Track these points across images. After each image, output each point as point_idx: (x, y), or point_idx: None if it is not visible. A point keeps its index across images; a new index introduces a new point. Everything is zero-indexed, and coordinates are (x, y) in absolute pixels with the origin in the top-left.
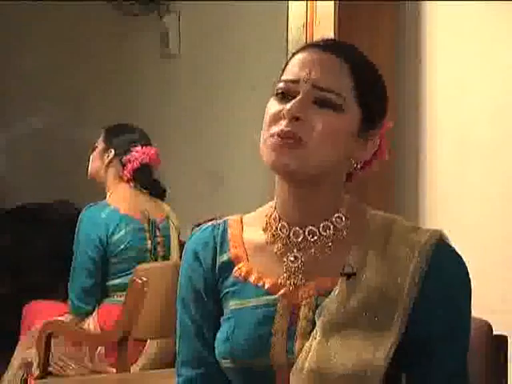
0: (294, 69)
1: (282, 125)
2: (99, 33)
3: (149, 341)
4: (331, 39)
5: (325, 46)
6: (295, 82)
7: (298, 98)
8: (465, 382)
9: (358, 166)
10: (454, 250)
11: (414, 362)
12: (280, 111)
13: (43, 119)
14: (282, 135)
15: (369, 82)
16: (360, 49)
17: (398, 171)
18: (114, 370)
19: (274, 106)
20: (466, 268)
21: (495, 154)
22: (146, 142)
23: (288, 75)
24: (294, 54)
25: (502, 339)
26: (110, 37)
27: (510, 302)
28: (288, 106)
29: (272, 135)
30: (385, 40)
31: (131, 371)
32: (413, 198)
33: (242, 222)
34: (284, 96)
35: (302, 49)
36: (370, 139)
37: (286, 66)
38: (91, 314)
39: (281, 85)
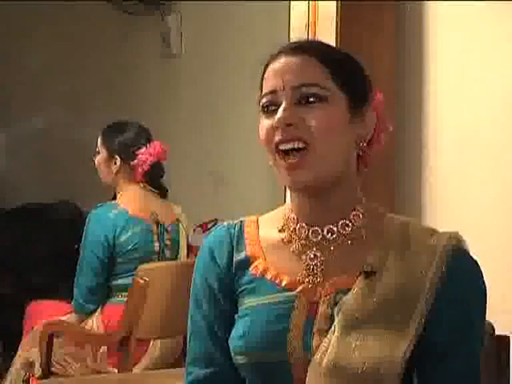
0: (270, 80)
1: (278, 135)
2: (101, 33)
3: (152, 341)
4: (294, 42)
5: (290, 49)
6: (274, 92)
7: (282, 105)
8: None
9: (365, 144)
10: (470, 255)
11: (428, 363)
12: (271, 126)
13: (44, 119)
14: (281, 143)
15: (343, 66)
16: (361, 49)
17: (399, 169)
18: (116, 370)
19: (264, 123)
20: (482, 273)
21: (497, 153)
22: (146, 138)
23: (266, 89)
24: (265, 67)
25: (505, 339)
26: (112, 37)
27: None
28: (277, 116)
29: (275, 152)
30: (386, 40)
31: (134, 371)
32: (413, 196)
33: (257, 222)
34: (269, 110)
35: (272, 59)
36: (366, 115)
37: (262, 80)
38: (95, 312)
39: (263, 100)
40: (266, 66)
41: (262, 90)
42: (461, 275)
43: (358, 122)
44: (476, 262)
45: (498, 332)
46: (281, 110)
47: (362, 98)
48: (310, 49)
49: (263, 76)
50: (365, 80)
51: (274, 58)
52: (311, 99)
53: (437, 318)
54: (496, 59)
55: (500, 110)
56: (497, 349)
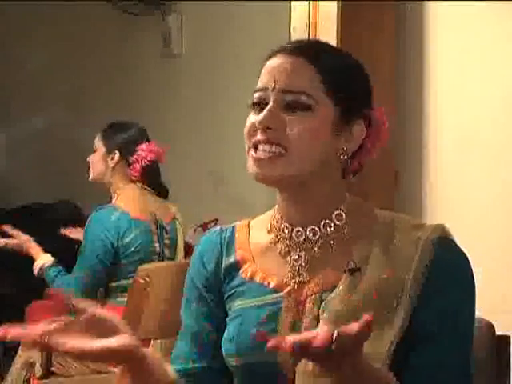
0: (263, 77)
1: (258, 135)
2: (101, 33)
3: (152, 341)
4: (297, 42)
5: (289, 49)
6: (264, 89)
7: (267, 107)
8: (467, 380)
9: (346, 157)
10: (456, 245)
11: (415, 354)
12: (254, 123)
13: (44, 119)
14: (259, 143)
15: (339, 77)
16: (362, 49)
17: (400, 170)
18: (117, 370)
19: (250, 118)
20: (469, 262)
21: (497, 153)
22: (146, 137)
23: (258, 85)
24: (264, 63)
25: (505, 339)
26: (112, 37)
27: None
28: (259, 117)
29: (251, 148)
30: (386, 40)
31: None
32: (414, 197)
33: (249, 225)
34: (259, 106)
35: (270, 56)
36: (354, 128)
37: (259, 75)
38: None
39: (254, 95)
40: (265, 61)
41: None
42: (445, 266)
43: (344, 133)
44: (463, 252)
45: (498, 332)
46: (265, 111)
47: (353, 111)
48: (306, 52)
49: (260, 72)
50: (362, 92)
51: (271, 55)
52: (297, 108)
53: (423, 309)
54: (496, 59)
55: (500, 109)
56: (497, 349)
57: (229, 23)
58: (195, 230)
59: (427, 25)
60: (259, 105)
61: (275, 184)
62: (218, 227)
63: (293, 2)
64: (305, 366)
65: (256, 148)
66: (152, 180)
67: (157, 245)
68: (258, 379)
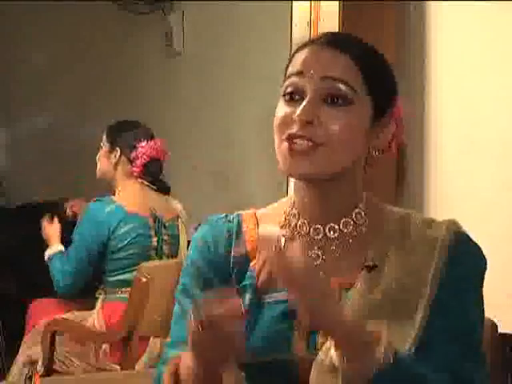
0: (297, 64)
1: (294, 128)
2: (104, 31)
3: (151, 338)
4: (331, 35)
5: (326, 42)
6: (301, 74)
7: (307, 99)
8: (484, 372)
9: (376, 154)
10: (470, 239)
11: (435, 355)
12: (290, 114)
13: (48, 118)
14: (294, 137)
15: (376, 72)
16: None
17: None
18: (119, 368)
19: (282, 108)
20: (484, 255)
21: (500, 151)
22: (150, 135)
23: (290, 70)
24: (294, 53)
25: (507, 338)
26: (115, 35)
27: None
28: (298, 110)
29: (285, 140)
30: (389, 39)
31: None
32: (417, 196)
33: (255, 216)
34: (292, 96)
35: (303, 46)
36: (384, 126)
37: (287, 67)
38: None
39: (287, 82)
40: (295, 52)
41: (285, 76)
42: (463, 262)
43: (377, 129)
44: (477, 245)
45: (501, 330)
46: (304, 103)
47: (386, 104)
48: (343, 44)
49: (289, 62)
50: (392, 84)
51: (304, 45)
52: (338, 101)
53: (440, 306)
54: (498, 58)
55: (502, 107)
56: (500, 347)
57: (230, 22)
58: (196, 228)
59: (429, 24)
60: (291, 96)
61: (308, 179)
62: (221, 214)
63: (294, 1)
64: (321, 363)
65: (290, 141)
66: (153, 177)
67: (154, 239)
68: (269, 378)
